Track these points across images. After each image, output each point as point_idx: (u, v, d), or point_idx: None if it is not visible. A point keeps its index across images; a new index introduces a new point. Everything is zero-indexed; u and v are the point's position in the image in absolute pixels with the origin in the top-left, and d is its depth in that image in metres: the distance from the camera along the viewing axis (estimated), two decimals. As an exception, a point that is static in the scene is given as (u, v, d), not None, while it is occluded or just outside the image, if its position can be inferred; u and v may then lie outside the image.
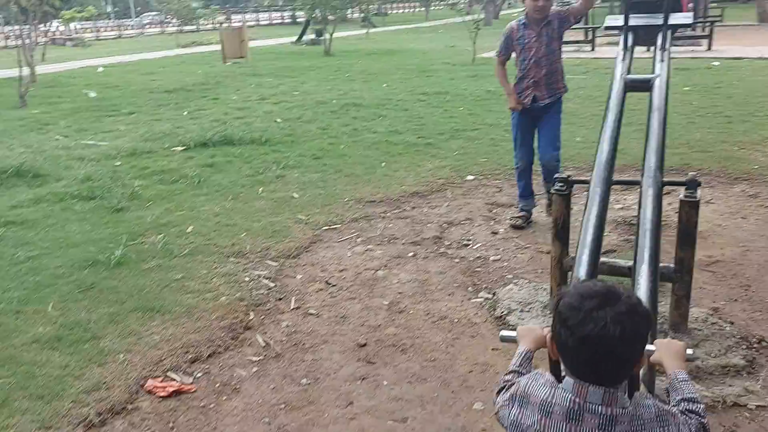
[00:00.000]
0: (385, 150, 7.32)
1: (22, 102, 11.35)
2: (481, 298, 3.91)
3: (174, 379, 3.20)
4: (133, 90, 13.02)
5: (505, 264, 4.40)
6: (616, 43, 4.42)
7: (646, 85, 3.95)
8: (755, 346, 3.30)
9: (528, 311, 3.65)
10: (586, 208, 3.14)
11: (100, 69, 17.31)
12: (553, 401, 1.47)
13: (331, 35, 19.71)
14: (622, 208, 5.34)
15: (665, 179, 3.22)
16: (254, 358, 3.37)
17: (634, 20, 4.31)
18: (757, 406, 2.84)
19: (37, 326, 3.69)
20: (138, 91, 12.79)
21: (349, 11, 30.99)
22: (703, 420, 1.56)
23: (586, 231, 2.94)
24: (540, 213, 5.21)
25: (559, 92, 4.86)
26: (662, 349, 1.72)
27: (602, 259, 3.11)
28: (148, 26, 40.23)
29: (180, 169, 6.80)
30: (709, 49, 15.98)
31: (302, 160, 7.02)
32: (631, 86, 3.98)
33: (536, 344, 1.95)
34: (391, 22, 38.61)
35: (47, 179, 6.56)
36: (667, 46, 4.26)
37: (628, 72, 4.13)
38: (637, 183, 3.31)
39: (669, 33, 4.30)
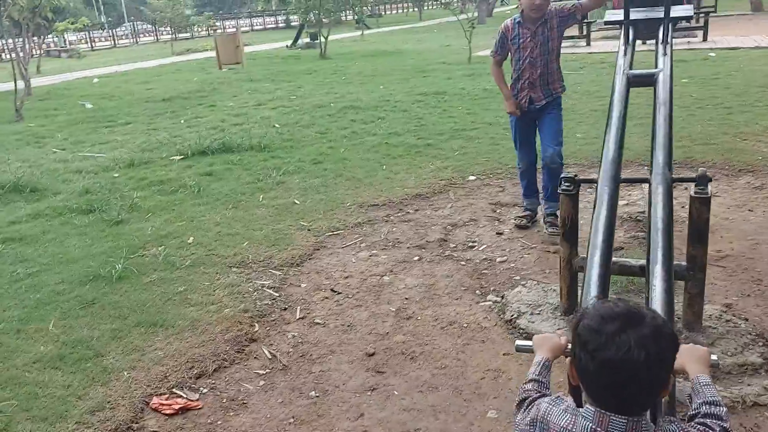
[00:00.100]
0: (386, 152, 7.25)
1: (18, 116, 11.29)
2: (489, 301, 3.85)
3: (180, 396, 3.13)
4: (129, 100, 12.96)
5: (512, 265, 4.33)
6: (612, 38, 4.37)
7: (650, 80, 3.89)
8: (772, 342, 3.24)
9: (538, 313, 3.59)
10: (595, 207, 3.07)
11: (96, 80, 17.26)
12: (573, 430, 1.40)
13: (326, 38, 19.65)
14: (627, 204, 5.27)
15: (674, 176, 3.16)
16: (261, 372, 3.31)
17: (635, 14, 4.24)
18: (778, 406, 2.78)
19: (39, 345, 3.62)
20: (134, 101, 12.73)
21: (343, 14, 30.96)
22: (725, 425, 1.50)
23: (597, 231, 2.88)
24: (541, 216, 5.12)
25: (556, 93, 4.68)
26: (686, 355, 1.65)
27: (612, 258, 3.05)
28: (122, 37, 40.11)
29: (179, 178, 6.73)
30: (704, 40, 15.91)
31: (302, 165, 6.96)
32: (634, 82, 3.91)
33: (554, 353, 1.88)
34: (385, 24, 38.56)
35: (45, 193, 6.49)
36: (669, 39, 4.20)
37: (631, 67, 4.07)
38: (646, 180, 3.24)
39: (670, 26, 4.23)
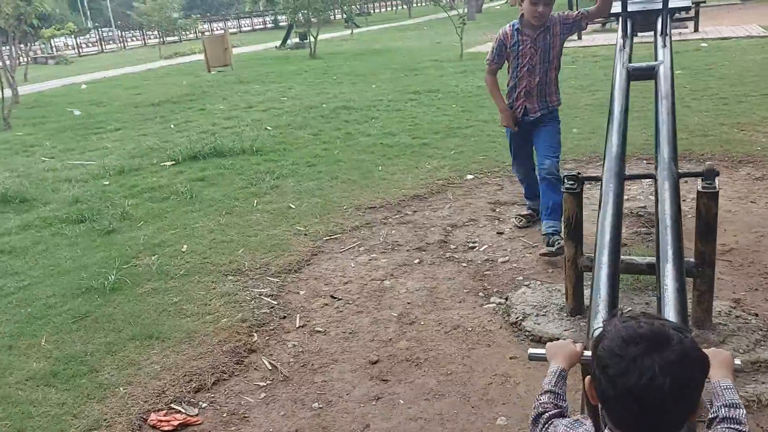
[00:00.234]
0: (381, 153, 7.15)
1: (5, 124, 11.13)
2: (493, 303, 3.76)
3: (178, 412, 3.03)
4: (118, 105, 12.80)
5: (515, 265, 4.25)
6: (601, 31, 4.24)
7: (650, 73, 3.82)
8: (784, 338, 3.16)
9: (544, 315, 3.50)
10: (600, 205, 3.00)
11: (84, 86, 17.08)
12: None
13: (316, 38, 19.52)
14: (627, 199, 5.18)
15: (680, 171, 3.09)
16: (261, 383, 3.21)
17: (633, 6, 4.17)
18: (796, 405, 2.70)
19: (31, 361, 3.52)
20: (123, 107, 12.58)
21: (332, 13, 30.83)
22: (743, 429, 1.43)
23: (603, 230, 2.80)
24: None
25: (552, 106, 4.40)
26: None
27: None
28: (109, 41, 39.76)
29: (170, 185, 6.62)
30: (696, 30, 15.88)
31: (296, 168, 6.85)
32: (634, 75, 3.83)
33: (569, 362, 1.80)
34: (374, 22, 38.41)
35: (34, 204, 6.36)
36: (668, 30, 4.13)
37: (630, 60, 3.99)
38: (651, 176, 3.17)
39: (669, 17, 4.16)
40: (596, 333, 1.39)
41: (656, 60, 3.88)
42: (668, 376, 1.18)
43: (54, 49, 32.94)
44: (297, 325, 3.72)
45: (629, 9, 4.11)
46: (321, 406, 3.00)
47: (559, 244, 4.07)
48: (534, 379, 3.01)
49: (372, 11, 49.93)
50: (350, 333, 3.59)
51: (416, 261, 4.42)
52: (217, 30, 38.37)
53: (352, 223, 5.19)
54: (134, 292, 4.24)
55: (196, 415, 3.01)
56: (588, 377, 1.35)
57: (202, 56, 19.01)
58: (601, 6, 4.10)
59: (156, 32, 33.31)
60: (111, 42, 40.15)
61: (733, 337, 3.14)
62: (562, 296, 3.61)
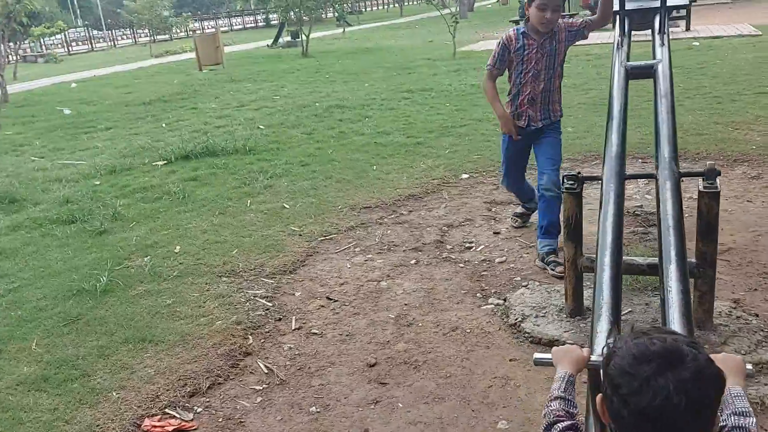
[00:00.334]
0: (375, 152, 7.10)
1: (-6, 123, 11.02)
2: (491, 304, 3.72)
3: (173, 417, 2.98)
4: (109, 104, 12.70)
5: (512, 266, 4.21)
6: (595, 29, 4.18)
7: (648, 72, 3.79)
8: (785, 339, 3.14)
9: (543, 316, 3.46)
10: (601, 206, 2.96)
11: (74, 85, 16.94)
12: None
13: (308, 36, 19.44)
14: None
15: (681, 170, 3.05)
16: (257, 387, 3.15)
17: (631, 3, 4.13)
18: (799, 407, 2.68)
19: (22, 366, 3.45)
20: (114, 105, 12.47)
21: (324, 11, 30.73)
22: None
23: (605, 231, 2.77)
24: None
25: (555, 116, 4.24)
26: (719, 365, 1.54)
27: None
28: (99, 39, 39.47)
29: (162, 185, 6.54)
30: (687, 29, 15.92)
31: (290, 167, 6.79)
32: (632, 74, 3.80)
33: (577, 367, 1.77)
34: (366, 20, 38.33)
35: (24, 204, 6.28)
36: (666, 29, 4.10)
37: (628, 59, 3.95)
38: (652, 176, 3.14)
39: (666, 15, 4.13)
40: (603, 350, 1.35)
41: (654, 58, 3.85)
42: (683, 395, 1.14)
43: (44, 47, 32.67)
44: (293, 328, 3.66)
45: (627, 7, 4.07)
46: (318, 410, 2.95)
47: (555, 266, 3.99)
48: (535, 381, 2.97)
49: (363, 10, 49.83)
50: (347, 335, 3.54)
51: (413, 261, 4.37)
52: (209, 28, 38.21)
53: (347, 223, 5.14)
54: (126, 294, 4.18)
55: (192, 420, 2.95)
56: (599, 395, 1.31)
57: (193, 55, 18.91)
58: (602, 15, 4.00)
59: (146, 30, 33.11)
60: (101, 40, 39.87)
61: (735, 338, 3.11)
62: (561, 297, 3.58)
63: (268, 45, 24.97)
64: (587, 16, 4.21)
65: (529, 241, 4.54)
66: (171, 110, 11.30)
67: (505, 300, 3.72)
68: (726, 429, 1.43)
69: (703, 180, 3.04)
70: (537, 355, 1.93)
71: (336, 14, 32.74)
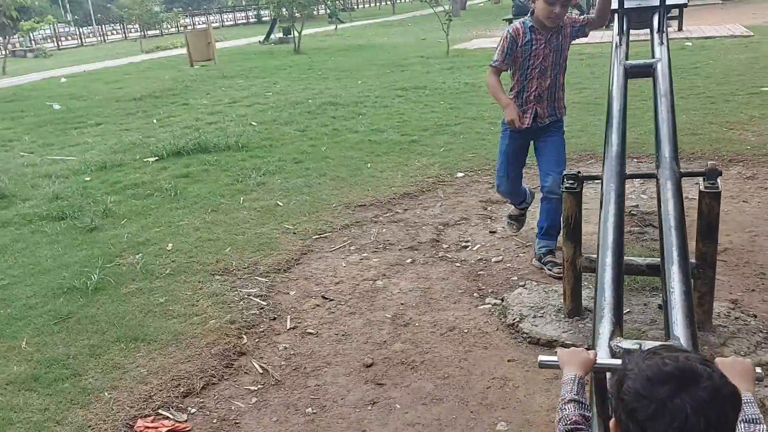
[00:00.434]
0: (369, 150, 7.05)
1: (-18, 118, 10.88)
2: (488, 304, 3.69)
3: (166, 417, 2.92)
4: (99, 100, 12.57)
5: (509, 265, 4.18)
6: None
7: (647, 71, 3.76)
8: (784, 340, 3.13)
9: (541, 316, 3.43)
10: (601, 205, 2.93)
11: (63, 79, 16.77)
12: None
13: (300, 33, 19.34)
14: (620, 198, 5.14)
15: (682, 170, 3.03)
16: (252, 388, 3.11)
17: (630, 2, 4.10)
18: (801, 409, 2.66)
19: (12, 365, 3.38)
20: (104, 101, 12.35)
21: (316, 8, 30.61)
22: None
23: (606, 231, 2.74)
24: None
25: (560, 112, 4.11)
26: (728, 371, 1.50)
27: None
28: (89, 35, 39.10)
29: (154, 181, 6.47)
30: (680, 29, 15.94)
31: (283, 165, 6.73)
32: (632, 73, 3.77)
33: (584, 369, 1.74)
34: (358, 17, 38.21)
35: (13, 200, 6.19)
36: (664, 28, 4.08)
37: (626, 58, 3.93)
38: (653, 176, 3.11)
39: (665, 14, 4.11)
40: (613, 377, 1.31)
41: (653, 57, 3.82)
42: (701, 416, 1.11)
43: (33, 42, 32.37)
44: (288, 327, 3.62)
45: (626, 6, 4.04)
46: (315, 411, 2.90)
47: (553, 266, 3.97)
48: (534, 382, 2.94)
49: (355, 7, 49.71)
50: (343, 335, 3.49)
51: (409, 260, 4.33)
52: (199, 24, 37.99)
53: (342, 221, 5.09)
54: (118, 292, 4.11)
55: (185, 421, 2.90)
56: (612, 421, 1.27)
57: (184, 50, 18.78)
58: (601, 14, 3.92)
59: (137, 26, 32.88)
60: (91, 35, 39.54)
61: (734, 339, 3.09)
62: (559, 297, 3.55)
63: (259, 41, 24.83)
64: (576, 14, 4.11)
65: (526, 240, 4.51)
66: (162, 106, 11.20)
67: (502, 300, 3.69)
68: None
69: (704, 180, 3.01)
70: (542, 357, 1.90)
71: (328, 11, 32.64)
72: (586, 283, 3.51)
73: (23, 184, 6.74)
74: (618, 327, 2.31)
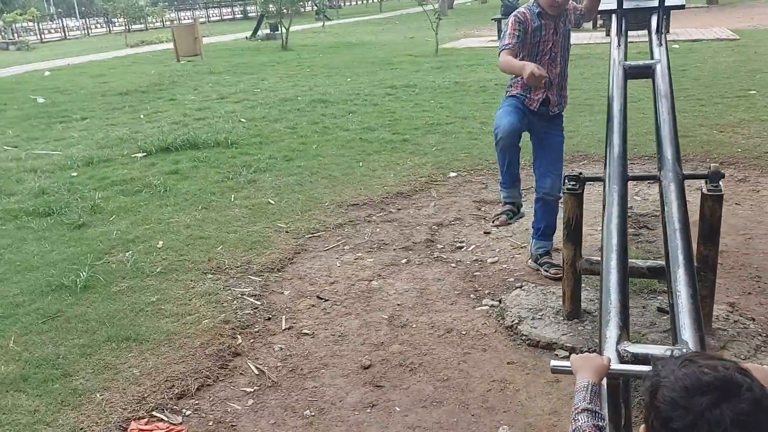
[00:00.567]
0: (361, 148, 6.99)
1: (-36, 111, 10.68)
2: (486, 305, 3.65)
3: (161, 420, 2.86)
4: (84, 93, 12.39)
5: (504, 266, 4.15)
6: (575, 30, 4.05)
7: (647, 72, 3.75)
8: (782, 344, 3.13)
9: (540, 318, 3.41)
10: (604, 208, 2.91)
11: (47, 73, 16.52)
12: None
13: (288, 29, 19.21)
14: (614, 200, 5.14)
15: (685, 173, 3.01)
16: (248, 389, 3.05)
17: (629, 3, 4.09)
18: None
19: (0, 365, 3.30)
20: (89, 95, 12.17)
21: (303, 5, 30.45)
22: None
23: (610, 234, 2.71)
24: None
25: (564, 102, 4.00)
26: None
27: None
28: (73, 28, 38.60)
29: (143, 177, 6.37)
30: (667, 32, 16.03)
31: (273, 162, 6.66)
32: (631, 73, 3.75)
33: (599, 375, 1.71)
34: (345, 15, 38.07)
35: (-2, 195, 6.06)
36: (663, 29, 4.07)
37: (626, 58, 3.91)
38: (655, 178, 3.09)
39: (664, 16, 4.10)
40: (646, 381, 1.26)
41: (652, 59, 3.81)
42: (741, 428, 1.07)
43: (15, 34, 31.90)
44: (283, 327, 3.56)
45: (625, 6, 4.02)
46: (313, 413, 2.85)
47: (549, 268, 3.94)
48: (535, 385, 2.91)
49: (342, 4, 49.55)
50: (339, 336, 3.44)
51: (404, 261, 4.29)
52: (185, 19, 37.65)
53: (335, 220, 5.04)
54: (108, 291, 4.03)
55: (180, 423, 2.84)
56: (643, 427, 1.23)
57: (170, 45, 18.60)
58: (591, 7, 3.87)
59: (122, 20, 32.51)
60: (75, 29, 39.05)
61: (734, 343, 3.09)
62: (557, 299, 3.53)
63: (246, 37, 24.64)
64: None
65: (521, 241, 4.49)
66: (149, 101, 11.07)
67: (500, 301, 3.66)
68: None
69: (707, 182, 3.00)
70: (554, 363, 1.86)
71: (315, 8, 32.49)
72: (583, 285, 3.49)
73: (8, 178, 6.61)
74: (625, 331, 2.29)
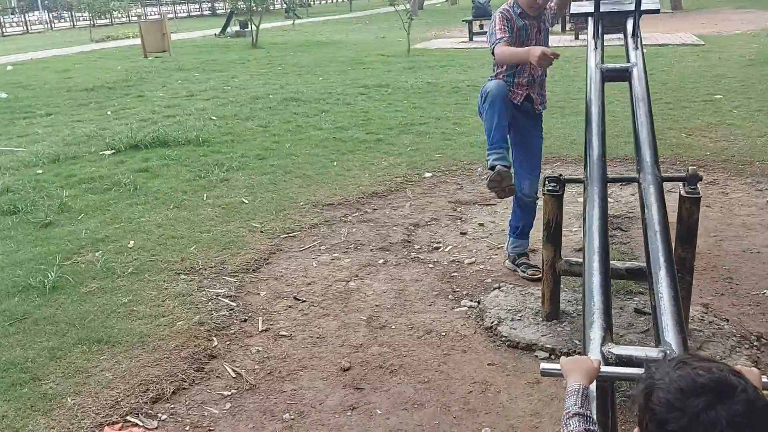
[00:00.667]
0: (334, 148, 6.94)
1: None
2: (464, 306, 3.65)
3: (136, 425, 2.78)
4: (48, 89, 12.08)
5: (482, 267, 4.15)
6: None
7: (623, 75, 3.79)
8: (755, 344, 3.18)
9: (519, 319, 3.41)
10: (585, 209, 2.92)
11: (9, 67, 16.08)
12: None
13: (258, 27, 19.03)
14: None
15: (664, 175, 3.05)
16: (225, 393, 2.99)
17: (605, 6, 4.12)
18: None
19: (-37, 369, 3.18)
20: (54, 90, 11.88)
21: (272, 2, 30.22)
22: None
23: (592, 235, 2.73)
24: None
25: (544, 104, 4.03)
26: None
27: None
28: (36, 22, 37.68)
29: (111, 175, 6.23)
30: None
31: (246, 161, 6.57)
32: (608, 76, 3.79)
33: (589, 378, 1.71)
34: (315, 14, 37.91)
35: (-41, 192, 5.86)
36: (639, 33, 4.12)
37: (602, 61, 3.94)
38: (634, 180, 3.12)
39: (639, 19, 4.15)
40: (640, 384, 1.27)
41: (629, 62, 3.85)
42: (736, 429, 1.08)
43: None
44: (260, 329, 3.50)
45: (602, 9, 4.06)
46: (293, 417, 2.81)
47: (527, 269, 3.98)
48: (516, 387, 2.91)
49: (312, 2, 49.32)
50: (318, 337, 3.40)
51: (381, 261, 4.27)
52: (152, 15, 37.05)
53: (311, 220, 4.98)
54: (78, 292, 3.92)
55: (156, 428, 2.77)
56: (636, 430, 1.23)
57: (137, 41, 18.28)
58: (561, 5, 3.98)
59: (86, 14, 31.84)
60: (37, 22, 38.12)
61: (709, 344, 3.13)
62: (536, 300, 3.54)
63: (215, 34, 24.35)
64: None
65: (497, 242, 4.50)
66: (116, 97, 10.85)
67: (478, 302, 3.65)
68: None
69: (685, 185, 3.04)
70: (544, 366, 1.86)
71: (285, 6, 32.27)
72: (562, 286, 3.51)
73: (-31, 175, 6.40)
74: (609, 332, 2.29)
